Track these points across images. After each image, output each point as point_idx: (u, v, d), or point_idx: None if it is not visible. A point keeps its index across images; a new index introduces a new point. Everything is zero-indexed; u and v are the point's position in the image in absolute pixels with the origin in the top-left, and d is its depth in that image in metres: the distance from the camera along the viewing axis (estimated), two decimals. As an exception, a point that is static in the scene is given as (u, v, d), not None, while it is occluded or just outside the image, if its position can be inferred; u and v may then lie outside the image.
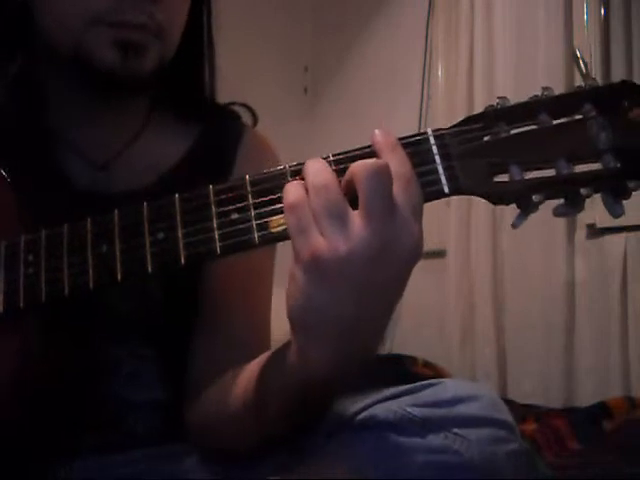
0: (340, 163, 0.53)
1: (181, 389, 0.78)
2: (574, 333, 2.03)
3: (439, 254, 2.43)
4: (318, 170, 0.51)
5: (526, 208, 0.54)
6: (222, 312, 0.78)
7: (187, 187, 0.56)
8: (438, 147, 0.53)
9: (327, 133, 2.80)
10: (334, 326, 0.50)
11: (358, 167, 0.49)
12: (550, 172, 0.52)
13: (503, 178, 0.53)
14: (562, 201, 0.54)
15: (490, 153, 0.53)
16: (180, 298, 0.79)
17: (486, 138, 0.53)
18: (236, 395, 0.66)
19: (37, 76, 0.76)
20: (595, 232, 2.01)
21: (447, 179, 0.52)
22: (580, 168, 0.52)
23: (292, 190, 0.51)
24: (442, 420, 0.59)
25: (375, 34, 2.80)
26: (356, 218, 0.49)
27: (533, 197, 0.53)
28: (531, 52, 2.15)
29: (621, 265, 1.92)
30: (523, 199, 0.53)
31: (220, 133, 0.84)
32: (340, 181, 0.51)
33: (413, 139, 0.54)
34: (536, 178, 0.52)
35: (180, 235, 0.55)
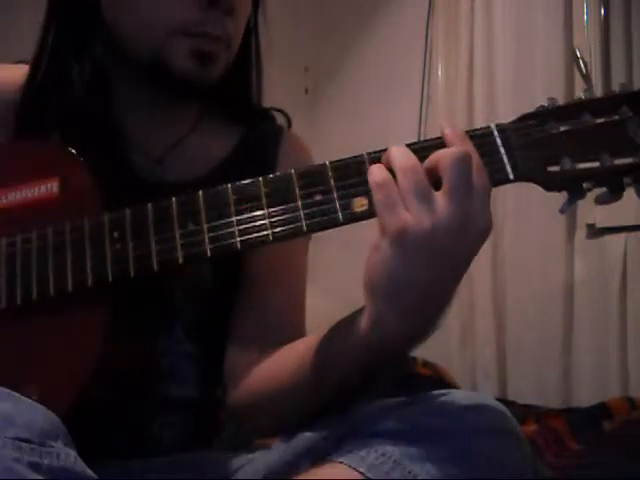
0: (416, 152, 0.58)
1: (214, 389, 0.81)
2: (573, 333, 2.03)
3: (439, 254, 2.43)
4: (404, 154, 0.57)
5: (575, 195, 0.61)
6: (260, 298, 0.82)
7: (235, 180, 0.62)
8: (502, 139, 0.60)
9: (328, 133, 2.80)
10: (413, 292, 0.56)
11: (444, 153, 0.56)
12: (596, 164, 0.59)
13: (556, 168, 0.60)
14: (602, 190, 0.62)
15: (544, 146, 0.60)
16: (229, 285, 0.82)
17: (539, 134, 0.60)
18: (290, 369, 0.70)
19: (106, 74, 0.81)
20: (595, 232, 2.02)
21: (511, 167, 0.59)
22: (621, 161, 0.59)
23: (378, 171, 0.57)
24: (450, 430, 0.59)
25: (375, 34, 2.79)
26: (439, 197, 0.55)
27: (584, 185, 0.60)
28: (531, 52, 2.15)
29: (621, 265, 1.92)
30: (574, 186, 0.60)
31: (262, 133, 0.89)
32: None
33: (480, 132, 0.60)
34: (585, 169, 0.59)
35: (266, 214, 0.60)
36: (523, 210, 2.12)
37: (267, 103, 0.92)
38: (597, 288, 1.98)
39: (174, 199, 0.63)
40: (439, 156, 0.56)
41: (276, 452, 0.69)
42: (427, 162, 0.57)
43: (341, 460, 0.59)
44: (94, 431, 0.72)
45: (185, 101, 0.84)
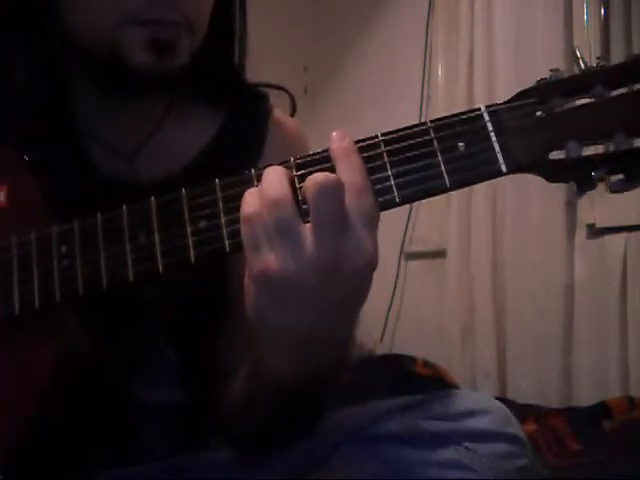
0: (301, 167, 0.52)
1: (198, 392, 0.78)
2: (573, 333, 2.03)
3: (439, 254, 2.42)
4: (272, 182, 0.49)
5: (584, 185, 0.51)
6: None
7: (214, 175, 0.55)
8: (493, 124, 0.51)
9: (327, 133, 2.78)
10: (290, 339, 0.50)
11: (309, 182, 0.48)
12: (609, 146, 0.50)
13: (559, 154, 0.51)
14: (617, 177, 0.52)
15: (546, 129, 0.51)
16: (209, 287, 0.77)
17: (541, 113, 0.51)
18: (236, 390, 0.67)
19: (63, 68, 0.75)
20: (595, 232, 2.01)
21: (504, 157, 0.51)
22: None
23: (249, 201, 0.49)
24: (453, 434, 0.59)
25: (375, 34, 2.79)
26: (308, 234, 0.47)
27: (593, 174, 0.50)
28: (531, 52, 2.14)
29: (621, 265, 1.92)
30: (582, 176, 0.51)
31: (247, 116, 0.82)
32: (300, 188, 0.50)
33: (467, 115, 0.52)
34: (595, 154, 0.50)
35: (223, 223, 0.53)
36: (523, 210, 2.11)
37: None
38: (597, 288, 1.97)
39: (125, 208, 0.57)
40: (306, 183, 0.48)
41: (275, 455, 0.67)
42: (303, 187, 0.49)
43: (341, 466, 0.58)
44: (80, 445, 0.71)
45: (151, 96, 0.77)
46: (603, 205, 1.96)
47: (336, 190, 0.47)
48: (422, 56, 2.54)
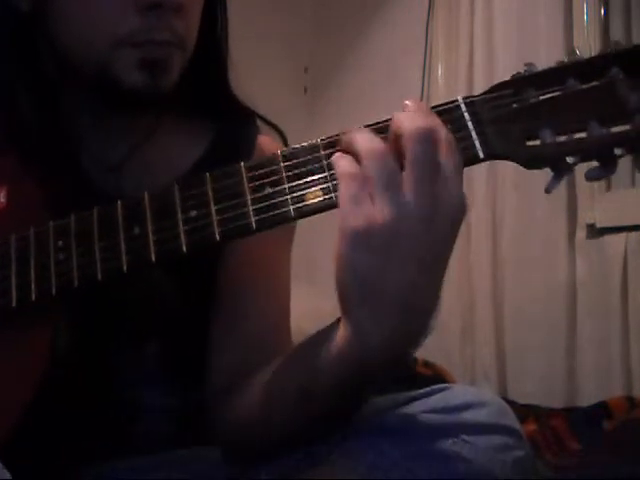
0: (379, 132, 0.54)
1: (189, 392, 0.78)
2: (574, 333, 2.03)
3: (439, 254, 2.42)
4: (369, 138, 0.51)
5: (560, 171, 0.54)
6: (240, 305, 0.77)
7: None
8: (470, 114, 0.54)
9: (327, 133, 2.79)
10: (391, 296, 0.50)
11: (407, 130, 0.50)
12: (582, 134, 0.53)
13: (536, 142, 0.53)
14: (594, 165, 0.54)
15: (521, 118, 0.53)
16: (193, 291, 0.77)
17: (516, 104, 0.54)
18: (283, 386, 0.63)
19: (56, 85, 0.76)
20: (595, 232, 2.01)
21: (481, 144, 0.53)
22: (612, 130, 0.52)
23: (346, 161, 0.51)
24: (451, 426, 0.59)
25: (375, 34, 2.79)
26: (406, 182, 0.49)
27: (567, 159, 0.53)
28: (531, 52, 2.14)
29: (621, 265, 1.92)
30: (557, 162, 0.53)
31: (235, 136, 0.83)
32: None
33: (444, 107, 0.55)
34: (569, 140, 0.52)
35: (213, 212, 0.55)
36: (523, 209, 2.11)
37: (266, 102, 0.90)
38: (598, 288, 1.97)
39: (119, 202, 0.59)
40: (404, 130, 0.50)
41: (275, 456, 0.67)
42: (390, 135, 0.51)
43: (339, 459, 0.59)
44: (71, 439, 0.71)
45: (143, 112, 0.78)
46: (603, 205, 1.96)
47: (434, 138, 0.50)
48: (422, 56, 2.55)
